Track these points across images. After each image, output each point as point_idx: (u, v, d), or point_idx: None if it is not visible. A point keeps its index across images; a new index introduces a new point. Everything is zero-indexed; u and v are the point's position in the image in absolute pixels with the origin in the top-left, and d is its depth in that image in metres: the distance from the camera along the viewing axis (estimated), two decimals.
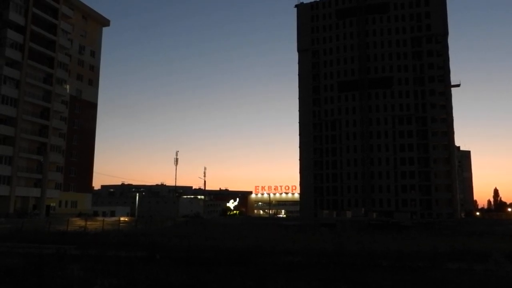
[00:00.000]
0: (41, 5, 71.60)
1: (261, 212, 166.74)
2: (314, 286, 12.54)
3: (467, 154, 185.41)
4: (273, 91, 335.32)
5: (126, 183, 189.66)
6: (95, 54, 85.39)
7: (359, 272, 14.82)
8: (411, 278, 13.79)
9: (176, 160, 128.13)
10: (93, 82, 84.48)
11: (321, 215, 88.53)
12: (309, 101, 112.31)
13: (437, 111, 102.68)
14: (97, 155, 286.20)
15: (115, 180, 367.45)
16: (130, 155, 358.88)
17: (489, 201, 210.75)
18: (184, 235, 30.14)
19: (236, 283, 12.40)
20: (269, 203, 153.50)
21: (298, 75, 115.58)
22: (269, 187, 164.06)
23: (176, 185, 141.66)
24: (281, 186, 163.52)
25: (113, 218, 63.81)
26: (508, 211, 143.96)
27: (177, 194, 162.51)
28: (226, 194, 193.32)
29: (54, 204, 73.63)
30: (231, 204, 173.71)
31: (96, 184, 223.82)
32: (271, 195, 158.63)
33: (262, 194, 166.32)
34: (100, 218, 58.05)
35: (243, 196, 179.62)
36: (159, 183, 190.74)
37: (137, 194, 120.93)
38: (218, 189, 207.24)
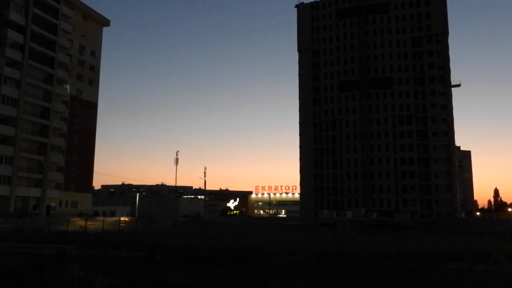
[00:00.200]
0: (42, 5, 71.62)
1: (261, 212, 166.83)
2: (314, 286, 12.54)
3: (467, 154, 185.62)
4: (273, 91, 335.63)
5: (126, 183, 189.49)
6: (95, 54, 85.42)
7: (359, 272, 14.82)
8: (411, 278, 13.79)
9: (176, 160, 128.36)
10: (93, 82, 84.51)
11: (321, 215, 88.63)
12: (309, 101, 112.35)
13: (438, 111, 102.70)
14: (97, 155, 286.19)
15: (115, 180, 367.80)
16: (130, 155, 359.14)
17: (489, 201, 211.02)
18: (184, 235, 30.11)
19: (236, 283, 12.41)
20: (269, 203, 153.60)
21: (298, 75, 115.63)
22: (269, 187, 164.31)
23: (176, 185, 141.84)
24: (281, 186, 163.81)
25: (113, 218, 63.82)
26: (509, 211, 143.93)
27: (177, 194, 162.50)
28: (226, 194, 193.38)
29: (54, 204, 73.65)
30: (231, 204, 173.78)
31: (97, 184, 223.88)
32: (271, 195, 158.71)
33: (262, 194, 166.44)
34: (100, 218, 58.06)
35: (243, 196, 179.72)
36: (159, 183, 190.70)
37: (137, 194, 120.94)
38: (218, 189, 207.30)
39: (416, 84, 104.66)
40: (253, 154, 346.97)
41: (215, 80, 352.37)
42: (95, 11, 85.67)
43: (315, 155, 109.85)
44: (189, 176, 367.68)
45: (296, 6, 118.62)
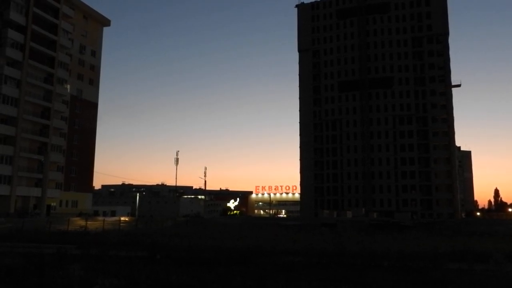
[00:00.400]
0: (42, 5, 71.64)
1: (262, 212, 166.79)
2: (315, 286, 12.54)
3: (467, 154, 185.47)
4: (273, 91, 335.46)
5: (126, 183, 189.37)
6: (96, 53, 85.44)
7: (359, 272, 14.83)
8: (411, 278, 13.79)
9: (177, 160, 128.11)
10: (94, 82, 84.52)
11: (322, 215, 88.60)
12: (309, 101, 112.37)
13: (438, 111, 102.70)
14: (97, 154, 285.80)
15: (116, 180, 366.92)
16: (131, 155, 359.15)
17: (489, 201, 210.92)
18: (184, 235, 30.13)
19: (237, 283, 12.41)
20: (269, 203, 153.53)
21: (299, 75, 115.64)
22: (270, 187, 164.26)
23: (177, 185, 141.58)
24: (281, 186, 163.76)
25: (114, 218, 63.80)
26: (509, 211, 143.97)
27: (177, 194, 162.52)
28: (227, 194, 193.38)
29: (54, 204, 73.69)
30: (232, 204, 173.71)
31: (97, 184, 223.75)
32: (272, 195, 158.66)
33: (263, 194, 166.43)
34: (100, 218, 58.03)
35: (244, 196, 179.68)
36: (160, 183, 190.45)
37: (138, 194, 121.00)
38: (219, 189, 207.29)
39: (417, 84, 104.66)
40: (253, 154, 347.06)
41: (215, 80, 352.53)
42: (95, 11, 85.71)
43: (315, 155, 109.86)
44: (189, 176, 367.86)
45: (296, 6, 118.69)
